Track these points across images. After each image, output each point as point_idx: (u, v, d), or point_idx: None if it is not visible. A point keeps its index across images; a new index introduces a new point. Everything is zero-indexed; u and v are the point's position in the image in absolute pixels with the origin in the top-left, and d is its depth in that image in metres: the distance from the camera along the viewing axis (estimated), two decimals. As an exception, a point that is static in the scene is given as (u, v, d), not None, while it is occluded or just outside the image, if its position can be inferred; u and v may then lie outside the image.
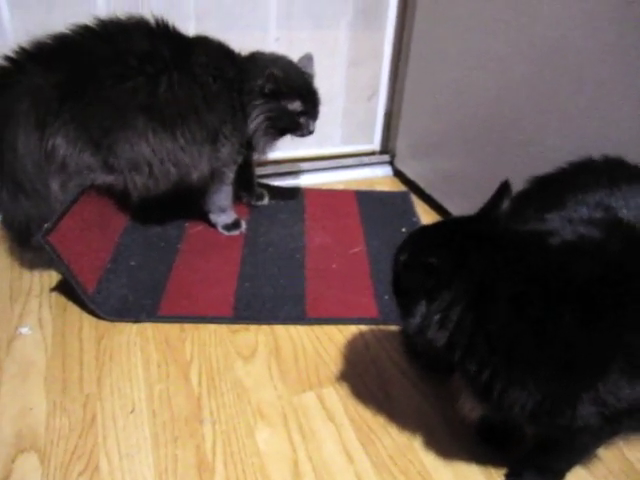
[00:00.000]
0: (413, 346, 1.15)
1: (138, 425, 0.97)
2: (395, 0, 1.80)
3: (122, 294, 1.25)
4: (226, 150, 1.39)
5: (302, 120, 1.39)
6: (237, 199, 1.58)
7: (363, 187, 1.83)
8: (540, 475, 0.84)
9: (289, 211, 1.64)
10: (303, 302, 1.27)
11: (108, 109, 1.22)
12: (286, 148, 1.83)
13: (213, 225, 1.52)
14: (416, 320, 0.74)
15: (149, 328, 1.19)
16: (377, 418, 1.01)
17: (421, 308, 0.73)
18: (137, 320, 1.20)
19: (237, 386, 1.06)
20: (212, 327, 1.20)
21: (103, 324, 1.19)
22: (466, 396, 0.81)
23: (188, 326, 1.20)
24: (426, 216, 1.65)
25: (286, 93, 1.34)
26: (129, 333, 1.17)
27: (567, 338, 0.66)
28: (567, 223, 0.79)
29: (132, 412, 1.00)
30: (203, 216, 1.52)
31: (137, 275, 1.32)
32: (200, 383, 1.06)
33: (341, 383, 1.08)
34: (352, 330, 1.21)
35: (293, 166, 1.88)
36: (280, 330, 1.20)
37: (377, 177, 1.92)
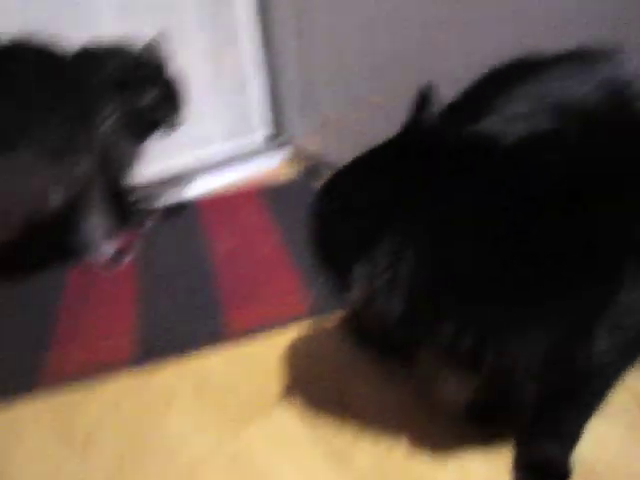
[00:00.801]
0: (363, 332, 0.95)
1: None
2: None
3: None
4: (85, 162, 1.13)
5: (165, 110, 1.16)
6: (117, 229, 1.33)
7: (261, 181, 1.62)
8: (553, 443, 0.66)
9: (182, 227, 1.40)
10: (221, 318, 1.05)
11: None
12: (161, 158, 1.60)
13: (92, 264, 1.25)
14: (356, 291, 0.54)
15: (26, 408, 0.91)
16: (341, 429, 0.80)
17: (360, 271, 0.54)
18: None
19: (165, 441, 0.82)
20: (117, 380, 0.94)
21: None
22: (447, 376, 0.62)
23: (84, 385, 0.93)
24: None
25: (139, 82, 1.11)
26: None
27: (568, 251, 0.49)
28: (508, 122, 0.63)
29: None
30: (81, 255, 1.25)
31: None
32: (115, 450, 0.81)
33: (291, 401, 0.86)
34: (289, 335, 1.00)
35: (175, 180, 1.63)
36: (200, 358, 0.97)
37: (275, 166, 1.72)
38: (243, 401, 0.87)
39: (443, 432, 0.77)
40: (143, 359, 0.97)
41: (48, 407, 0.90)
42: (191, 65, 1.55)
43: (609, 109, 0.55)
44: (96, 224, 1.22)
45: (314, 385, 0.89)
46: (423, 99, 0.59)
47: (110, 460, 0.80)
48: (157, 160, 1.58)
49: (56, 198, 1.10)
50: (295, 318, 1.02)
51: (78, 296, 1.16)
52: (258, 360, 0.95)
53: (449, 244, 0.50)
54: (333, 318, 1.01)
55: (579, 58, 0.63)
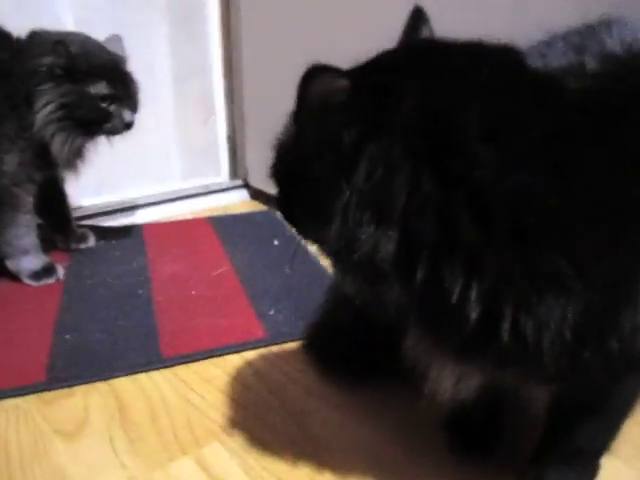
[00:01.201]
0: (324, 352, 0.81)
1: None
2: (216, 5, 1.58)
3: None
4: (12, 159, 0.99)
5: (112, 108, 1.03)
6: (51, 246, 1.16)
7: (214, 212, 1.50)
8: (570, 466, 0.52)
9: (124, 247, 1.25)
10: (155, 341, 0.88)
11: None
12: (115, 189, 1.48)
13: (15, 275, 1.07)
14: (335, 229, 0.42)
15: None
16: (295, 465, 0.64)
17: (339, 199, 0.41)
18: None
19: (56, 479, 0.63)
20: (12, 403, 0.75)
21: None
22: (442, 366, 0.48)
23: (-31, 410, 0.74)
24: (299, 228, 1.35)
25: (85, 72, 0.99)
26: None
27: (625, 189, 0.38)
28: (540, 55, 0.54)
29: None
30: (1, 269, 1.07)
31: None
32: (-13, 492, 0.61)
33: (231, 434, 0.69)
34: (233, 361, 0.84)
35: (127, 207, 1.50)
36: (124, 384, 0.79)
37: (232, 203, 1.60)
38: (166, 434, 0.69)
39: (416, 469, 0.62)
40: (50, 380, 0.79)
41: None
42: (156, 93, 1.48)
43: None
44: (24, 231, 1.05)
45: (262, 413, 0.73)
46: (416, 17, 0.50)
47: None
48: (110, 189, 1.46)
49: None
50: (246, 344, 0.87)
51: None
52: (192, 389, 0.78)
53: (460, 163, 0.38)
54: (290, 346, 0.87)
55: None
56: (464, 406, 0.58)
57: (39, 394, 0.77)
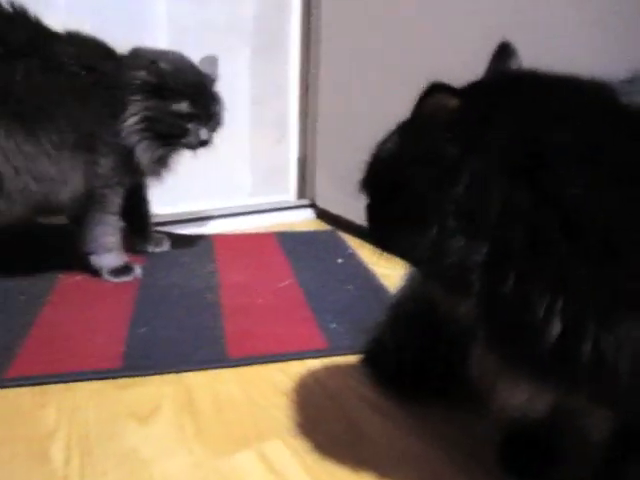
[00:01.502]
0: (383, 367, 0.83)
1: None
2: (297, 33, 1.67)
3: (-51, 357, 0.84)
4: (107, 162, 1.07)
5: (190, 125, 1.11)
6: (129, 248, 1.24)
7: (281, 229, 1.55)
8: None
9: (195, 255, 1.32)
10: (223, 342, 0.92)
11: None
12: (189, 200, 1.56)
13: (96, 272, 1.15)
14: (429, 237, 0.45)
15: (-7, 397, 0.78)
16: (355, 470, 0.66)
17: (436, 211, 0.44)
18: (-30, 388, 0.78)
19: (130, 459, 0.67)
20: (91, 386, 0.81)
21: None
22: (513, 382, 0.49)
23: (53, 388, 0.80)
24: (361, 249, 1.39)
25: (171, 90, 1.07)
26: (-47, 406, 0.75)
27: None
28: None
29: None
30: (82, 263, 1.15)
31: (-22, 334, 0.91)
32: (68, 462, 0.66)
33: (293, 434, 0.72)
34: (296, 368, 0.87)
35: (197, 218, 1.58)
36: (193, 378, 0.84)
37: (298, 221, 1.65)
38: (232, 427, 0.73)
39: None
40: (126, 367, 0.84)
41: (5, 404, 0.76)
42: (234, 113, 1.57)
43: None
44: (110, 230, 1.13)
45: (321, 417, 0.75)
46: (503, 53, 0.53)
47: (62, 464, 0.65)
48: (183, 199, 1.55)
49: (73, 187, 1.03)
50: (307, 353, 0.90)
51: (70, 300, 1.05)
52: (257, 389, 0.82)
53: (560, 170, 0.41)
54: (350, 360, 0.89)
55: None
56: (522, 427, 0.59)
57: (115, 380, 0.82)
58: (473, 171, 0.43)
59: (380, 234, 0.55)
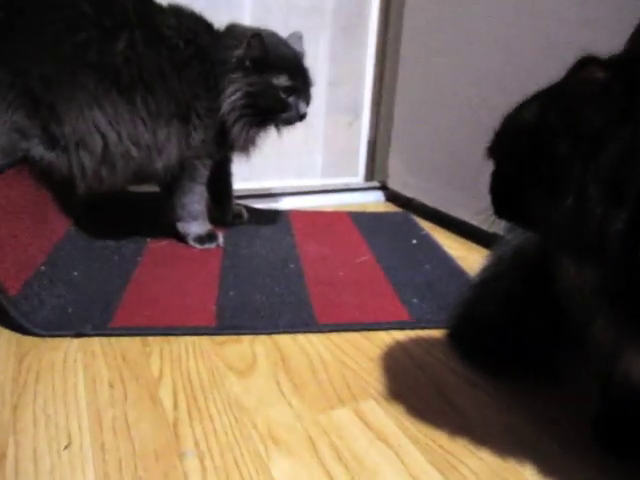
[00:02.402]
0: (469, 343, 0.84)
1: (76, 465, 0.60)
2: (376, 17, 1.67)
3: (58, 304, 0.90)
4: (199, 135, 1.11)
5: (290, 99, 1.13)
6: (210, 217, 1.28)
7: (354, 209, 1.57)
8: None
9: (274, 227, 1.35)
10: (310, 309, 0.95)
11: (52, 58, 0.94)
12: (261, 178, 1.60)
13: (182, 238, 1.20)
14: (568, 204, 0.45)
15: (96, 343, 0.83)
16: (450, 436, 0.67)
17: (575, 178, 0.45)
18: (79, 334, 0.84)
19: (233, 407, 0.71)
20: (188, 340, 0.85)
21: (28, 339, 0.82)
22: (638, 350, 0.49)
23: (154, 340, 0.85)
24: (434, 232, 1.39)
25: (271, 64, 1.10)
26: (66, 349, 0.81)
27: None
28: None
29: (67, 448, 0.62)
30: (168, 230, 1.20)
31: (81, 286, 0.97)
32: (176, 405, 0.70)
33: (385, 397, 0.74)
34: (382, 337, 0.89)
35: (273, 195, 1.61)
36: (284, 340, 0.87)
37: (369, 202, 1.67)
38: (326, 386, 0.76)
39: (562, 460, 0.63)
40: (219, 326, 0.88)
41: (112, 350, 0.81)
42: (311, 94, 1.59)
43: None
44: (197, 199, 1.17)
45: (412, 384, 0.77)
46: None
47: (171, 408, 0.69)
48: (258, 176, 1.58)
49: (168, 156, 1.07)
50: (392, 324, 0.92)
51: (161, 261, 1.10)
52: (346, 354, 0.84)
53: None
54: (436, 334, 0.90)
55: None
56: (629, 403, 0.59)
57: (211, 337, 0.86)
58: (621, 141, 0.43)
59: (506, 202, 0.56)
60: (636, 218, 0.43)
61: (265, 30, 1.18)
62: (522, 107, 0.53)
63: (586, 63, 0.46)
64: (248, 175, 1.57)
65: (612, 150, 0.44)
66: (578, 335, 0.56)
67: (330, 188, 1.66)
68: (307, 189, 1.63)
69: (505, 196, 0.56)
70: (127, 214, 1.28)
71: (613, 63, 0.47)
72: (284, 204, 1.58)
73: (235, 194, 1.47)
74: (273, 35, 1.17)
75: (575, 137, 0.46)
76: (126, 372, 0.77)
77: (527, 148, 0.51)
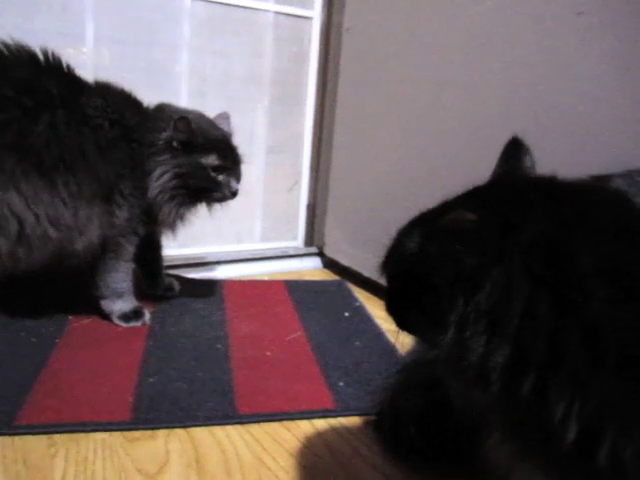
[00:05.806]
0: (393, 433, 0.83)
1: None
2: (313, 85, 1.71)
3: (-40, 400, 0.84)
4: (123, 214, 1.10)
5: (221, 178, 1.14)
6: (139, 291, 1.24)
7: (290, 277, 1.56)
8: None
9: (205, 301, 1.33)
10: (232, 397, 0.93)
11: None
12: (198, 244, 1.58)
13: (106, 316, 1.16)
14: (449, 337, 0.46)
15: (-2, 445, 0.78)
16: None
17: (456, 311, 0.46)
18: (-21, 435, 0.78)
19: (137, 519, 0.67)
20: (99, 437, 0.81)
21: None
22: (528, 475, 0.50)
23: (61, 438, 0.80)
24: (369, 302, 1.40)
25: (199, 145, 1.10)
26: (-38, 454, 0.75)
27: None
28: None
29: None
30: (93, 306, 1.17)
31: (-11, 377, 0.92)
32: (75, 519, 0.66)
33: (299, 499, 0.72)
34: (304, 427, 0.87)
35: (208, 263, 1.59)
36: (201, 434, 0.84)
37: (306, 269, 1.67)
38: (243, 488, 0.73)
39: None
40: (134, 420, 0.84)
41: (14, 453, 0.76)
42: (250, 160, 1.60)
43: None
44: (122, 276, 1.14)
45: (330, 485, 0.75)
46: (514, 149, 0.55)
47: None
48: (194, 242, 1.57)
49: (90, 236, 1.05)
50: (315, 412, 0.91)
51: (80, 344, 1.06)
52: (265, 449, 0.82)
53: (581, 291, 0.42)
54: (357, 421, 0.89)
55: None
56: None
57: (123, 433, 0.82)
58: (495, 280, 0.45)
59: (398, 318, 0.56)
60: (515, 354, 0.44)
61: (192, 111, 1.19)
62: (408, 231, 0.54)
63: (456, 207, 0.47)
64: (183, 241, 1.55)
65: (488, 290, 0.45)
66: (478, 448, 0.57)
67: (268, 255, 1.66)
68: (244, 257, 1.62)
69: (398, 312, 0.56)
70: (49, 290, 1.24)
71: (482, 202, 0.49)
72: (219, 273, 1.56)
73: (169, 262, 1.45)
74: (201, 117, 1.18)
75: (454, 274, 0.47)
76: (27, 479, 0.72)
77: (410, 276, 0.52)
